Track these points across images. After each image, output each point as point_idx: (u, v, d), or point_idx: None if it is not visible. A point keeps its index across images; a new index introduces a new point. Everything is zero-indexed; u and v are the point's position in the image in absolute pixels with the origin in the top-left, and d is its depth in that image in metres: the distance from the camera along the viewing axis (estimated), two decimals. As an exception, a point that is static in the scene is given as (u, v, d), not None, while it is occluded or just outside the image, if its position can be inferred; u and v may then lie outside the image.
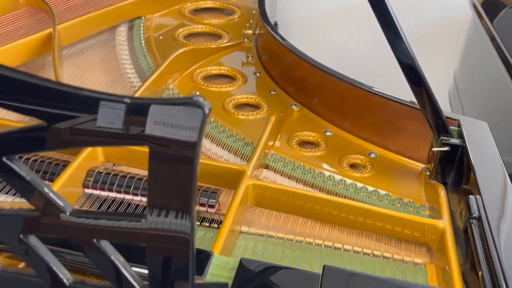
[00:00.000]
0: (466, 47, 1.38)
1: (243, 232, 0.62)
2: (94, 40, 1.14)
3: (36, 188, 0.36)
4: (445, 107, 1.40)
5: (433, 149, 0.68)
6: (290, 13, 1.64)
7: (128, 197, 0.67)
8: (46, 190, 0.36)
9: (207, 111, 0.30)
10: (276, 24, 1.09)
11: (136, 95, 0.83)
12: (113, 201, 0.68)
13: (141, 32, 1.15)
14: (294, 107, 0.88)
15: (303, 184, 0.70)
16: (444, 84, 1.50)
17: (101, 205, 0.68)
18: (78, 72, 1.02)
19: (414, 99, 0.74)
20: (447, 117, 0.69)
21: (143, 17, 1.22)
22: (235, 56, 1.10)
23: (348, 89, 0.83)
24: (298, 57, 0.93)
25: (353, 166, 0.76)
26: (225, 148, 0.77)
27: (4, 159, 0.36)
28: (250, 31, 1.11)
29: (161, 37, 1.16)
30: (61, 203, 0.36)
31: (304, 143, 0.82)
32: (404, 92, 0.96)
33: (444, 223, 0.59)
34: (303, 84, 0.92)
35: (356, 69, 1.63)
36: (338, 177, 0.71)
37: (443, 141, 0.68)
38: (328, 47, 1.68)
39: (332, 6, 1.66)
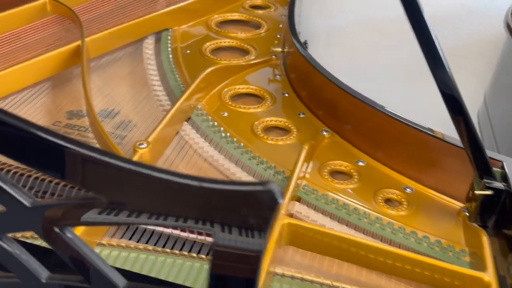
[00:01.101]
0: (499, 69, 1.33)
1: (277, 274, 0.58)
2: (121, 52, 1.10)
3: (90, 263, 0.32)
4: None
5: (476, 192, 0.64)
6: (314, 25, 1.59)
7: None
8: (100, 264, 0.32)
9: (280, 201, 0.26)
10: (306, 42, 1.05)
11: (167, 117, 0.79)
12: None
13: (168, 45, 1.11)
14: (325, 133, 0.84)
15: (338, 222, 0.66)
16: (472, 105, 1.45)
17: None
18: (105, 86, 0.99)
19: (445, 130, 0.71)
20: (490, 158, 0.65)
21: (170, 29, 1.18)
22: (262, 74, 1.06)
23: (383, 119, 0.79)
24: (329, 80, 0.89)
25: (388, 201, 0.72)
26: (256, 177, 0.74)
27: (56, 229, 0.32)
28: (279, 49, 1.07)
29: (188, 51, 1.12)
30: (114, 279, 0.32)
31: (335, 173, 0.78)
32: (429, 110, 0.91)
33: (489, 276, 0.55)
34: (334, 108, 0.88)
35: (380, 83, 1.59)
36: (373, 215, 0.67)
37: (486, 184, 0.63)
38: (351, 60, 1.63)
39: (357, 19, 1.61)
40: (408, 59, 1.47)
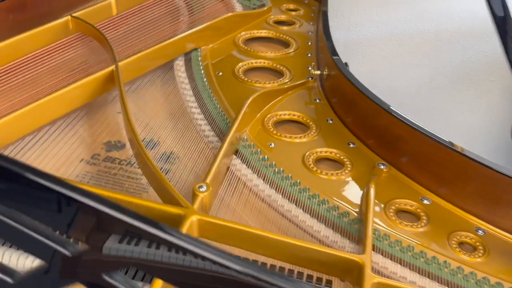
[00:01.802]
0: None
1: None
2: (152, 75, 1.04)
3: None
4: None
5: None
6: (335, 37, 1.53)
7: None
8: None
9: None
10: (346, 64, 0.99)
11: (221, 153, 0.73)
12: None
13: (201, 68, 1.05)
14: (382, 167, 0.78)
15: (419, 273, 0.61)
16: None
17: None
18: (139, 113, 0.92)
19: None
20: None
21: (199, 49, 1.12)
22: (299, 98, 1.00)
23: (442, 150, 0.74)
24: (379, 106, 0.83)
25: (461, 244, 0.67)
26: (321, 220, 0.68)
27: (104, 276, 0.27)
28: (317, 72, 1.01)
29: (220, 73, 1.06)
30: None
31: (400, 213, 0.72)
32: (451, 126, 0.86)
33: None
34: (386, 138, 0.83)
35: (399, 98, 1.54)
36: (454, 263, 0.62)
37: None
38: (373, 74, 1.59)
39: (379, 32, 1.56)
40: (430, 74, 1.43)
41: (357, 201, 0.72)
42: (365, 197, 0.69)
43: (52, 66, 1.01)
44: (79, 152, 0.81)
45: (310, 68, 1.05)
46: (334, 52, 1.00)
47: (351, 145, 0.85)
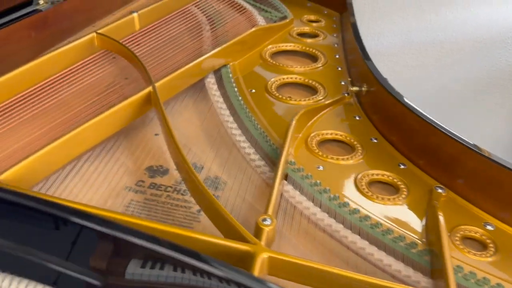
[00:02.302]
0: None
1: None
2: (184, 95, 1.00)
3: None
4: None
5: None
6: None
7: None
8: None
9: None
10: (385, 79, 0.96)
11: (277, 182, 0.69)
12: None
13: (233, 85, 1.01)
14: (440, 190, 0.75)
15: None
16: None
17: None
18: (179, 138, 0.88)
19: None
20: None
21: (228, 66, 1.08)
22: (336, 115, 0.96)
23: (505, 173, 0.71)
24: (429, 124, 0.80)
25: (534, 274, 0.64)
26: (389, 252, 0.64)
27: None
28: (355, 88, 0.98)
29: (253, 91, 1.02)
30: None
31: (465, 240, 0.69)
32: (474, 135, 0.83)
33: None
34: (439, 157, 0.79)
35: (422, 107, 1.52)
36: (534, 297, 0.59)
37: None
38: (392, 83, 1.55)
39: (398, 41, 1.54)
40: (451, 83, 1.40)
41: (420, 229, 0.69)
42: (433, 226, 0.65)
43: (79, 88, 0.96)
44: (122, 180, 0.77)
45: (346, 84, 1.01)
46: (373, 67, 0.96)
47: (402, 166, 0.81)
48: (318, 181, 0.75)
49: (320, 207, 0.71)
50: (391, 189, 0.78)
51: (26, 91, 0.91)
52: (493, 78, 1.47)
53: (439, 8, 1.43)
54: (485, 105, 1.46)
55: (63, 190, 0.72)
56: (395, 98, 0.87)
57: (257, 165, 0.79)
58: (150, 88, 0.87)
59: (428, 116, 0.82)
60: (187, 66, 0.96)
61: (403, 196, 0.75)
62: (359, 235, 0.66)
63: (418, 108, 0.84)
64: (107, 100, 0.93)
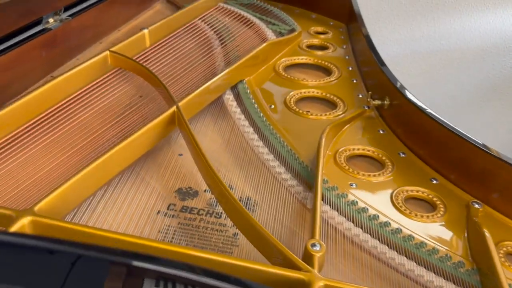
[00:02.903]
0: None
1: None
2: (203, 114, 0.97)
3: None
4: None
5: None
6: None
7: None
8: None
9: None
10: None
11: (318, 204, 0.67)
12: None
13: (252, 101, 0.98)
14: (477, 206, 0.74)
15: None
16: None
17: None
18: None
19: None
20: None
21: (244, 81, 1.06)
22: (359, 129, 0.95)
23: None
24: (460, 137, 0.79)
25: None
26: (438, 272, 0.63)
27: None
28: (378, 102, 0.96)
29: (272, 106, 1.00)
30: None
31: (509, 255, 0.68)
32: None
33: None
34: (471, 171, 0.78)
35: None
36: None
37: None
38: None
39: (401, 50, 1.53)
40: (455, 90, 1.40)
41: (462, 246, 0.67)
42: (479, 244, 0.64)
43: (98, 109, 0.93)
44: (153, 204, 0.74)
45: (363, 97, 1.00)
46: (395, 79, 0.95)
47: (434, 181, 0.80)
48: (354, 200, 0.73)
49: (361, 228, 0.69)
50: (425, 204, 0.76)
51: (44, 114, 0.88)
52: (497, 85, 1.47)
53: (443, 17, 1.43)
54: (490, 113, 1.47)
55: (96, 219, 0.69)
56: (422, 111, 0.85)
57: (290, 185, 0.77)
58: (174, 108, 0.84)
59: (456, 128, 0.80)
60: (207, 84, 0.93)
61: (441, 213, 0.73)
62: (405, 256, 0.64)
63: (445, 120, 0.83)
64: (128, 122, 0.90)
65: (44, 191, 0.70)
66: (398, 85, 0.93)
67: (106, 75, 1.02)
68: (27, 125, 0.84)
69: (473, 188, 0.77)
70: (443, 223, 0.72)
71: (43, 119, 0.87)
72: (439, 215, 0.73)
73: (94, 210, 0.71)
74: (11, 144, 0.80)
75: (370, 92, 1.00)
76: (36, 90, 0.86)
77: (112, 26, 1.36)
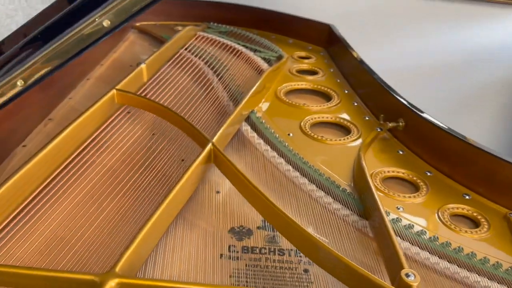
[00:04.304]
0: None
1: None
2: (226, 151, 0.94)
3: None
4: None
5: None
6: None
7: None
8: None
9: None
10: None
11: (392, 233, 0.67)
12: None
13: (272, 132, 0.98)
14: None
15: None
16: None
17: None
18: (236, 197, 0.83)
19: None
20: None
21: (255, 112, 1.05)
22: (378, 150, 0.97)
23: None
24: (481, 150, 0.83)
25: None
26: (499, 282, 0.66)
27: None
28: (393, 124, 1.00)
29: (291, 135, 1.00)
30: None
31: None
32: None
33: None
34: (497, 183, 0.83)
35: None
36: None
37: None
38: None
39: (389, 66, 1.57)
40: (426, 103, 1.47)
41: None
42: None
43: (116, 153, 0.89)
44: (212, 247, 0.71)
45: (370, 119, 1.03)
46: (405, 100, 0.99)
47: (467, 197, 0.84)
48: (410, 223, 0.75)
49: (426, 250, 0.70)
50: (465, 220, 0.80)
51: (63, 166, 0.82)
52: (479, 94, 1.58)
53: (426, 33, 1.51)
54: (473, 119, 1.56)
55: (161, 271, 0.65)
56: (440, 129, 0.89)
57: (345, 215, 0.77)
58: (210, 146, 0.82)
59: (477, 142, 0.85)
60: (232, 117, 0.92)
61: (486, 227, 0.77)
62: (477, 273, 0.67)
63: (464, 136, 0.87)
64: (154, 163, 0.86)
65: (104, 250, 0.66)
66: (412, 107, 0.96)
67: (115, 116, 0.97)
68: (48, 180, 0.77)
69: (504, 199, 0.81)
70: (489, 236, 0.76)
71: (63, 173, 0.80)
72: (485, 229, 0.77)
73: (155, 263, 0.67)
74: (43, 202, 0.74)
75: (382, 115, 1.03)
76: (51, 142, 0.79)
77: (95, 61, 1.30)
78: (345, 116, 1.08)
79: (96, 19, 0.37)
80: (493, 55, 1.57)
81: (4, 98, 0.44)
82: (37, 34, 0.40)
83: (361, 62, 1.19)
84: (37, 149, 0.90)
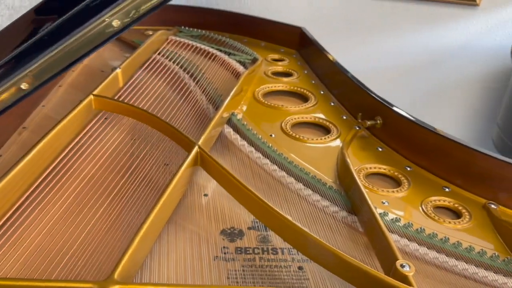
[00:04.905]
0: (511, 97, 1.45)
1: None
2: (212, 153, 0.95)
3: None
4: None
5: None
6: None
7: None
8: None
9: None
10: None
11: (385, 230, 0.69)
12: None
13: (255, 133, 0.99)
14: (494, 206, 0.81)
15: None
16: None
17: None
18: (227, 200, 0.83)
19: None
20: None
21: (235, 114, 1.05)
22: (358, 148, 1.00)
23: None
24: (458, 143, 0.87)
25: None
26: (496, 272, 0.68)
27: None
28: (371, 122, 1.02)
29: (273, 135, 1.01)
30: None
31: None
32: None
33: None
34: (472, 175, 0.86)
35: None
36: None
37: None
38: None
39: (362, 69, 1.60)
40: (406, 100, 1.52)
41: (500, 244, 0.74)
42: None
43: (97, 159, 0.87)
44: (207, 249, 0.70)
45: (348, 118, 1.06)
46: (383, 100, 1.01)
47: (447, 190, 0.87)
48: (397, 217, 0.77)
49: (415, 241, 0.73)
50: (446, 211, 0.83)
51: (48, 172, 0.80)
52: (443, 91, 1.63)
53: (393, 34, 1.55)
54: (437, 113, 1.61)
55: (158, 276, 0.64)
56: (417, 124, 0.92)
57: (334, 211, 0.78)
58: (197, 149, 0.81)
59: (452, 136, 0.88)
60: (215, 119, 0.92)
61: (467, 218, 0.80)
62: (464, 261, 0.69)
63: (439, 130, 0.90)
64: (142, 172, 0.85)
65: (97, 257, 0.64)
66: (389, 105, 0.99)
67: (93, 121, 0.95)
68: (30, 190, 0.75)
69: (482, 190, 0.85)
70: (472, 225, 0.79)
71: (46, 181, 0.78)
72: (466, 219, 0.80)
73: (151, 268, 0.66)
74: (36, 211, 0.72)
75: (360, 114, 1.05)
76: (30, 151, 0.76)
77: (66, 67, 1.27)
78: (323, 116, 1.10)
79: (106, 19, 0.36)
80: (455, 54, 1.64)
81: (8, 102, 0.43)
82: (45, 34, 0.38)
83: (336, 63, 1.21)
84: (13, 158, 0.87)
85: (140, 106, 0.97)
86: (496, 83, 1.63)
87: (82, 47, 0.40)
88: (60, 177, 0.80)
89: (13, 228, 0.68)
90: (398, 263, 0.61)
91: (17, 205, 0.72)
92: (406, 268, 0.60)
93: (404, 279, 0.60)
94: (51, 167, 0.81)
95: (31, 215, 0.72)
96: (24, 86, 0.41)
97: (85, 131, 0.92)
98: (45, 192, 0.76)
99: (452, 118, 1.70)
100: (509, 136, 1.44)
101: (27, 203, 0.74)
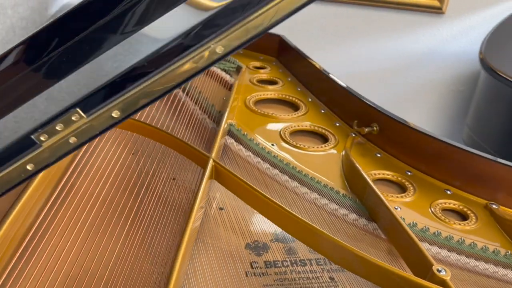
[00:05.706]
0: (479, 101, 1.53)
1: None
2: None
3: None
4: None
5: None
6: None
7: None
8: None
9: None
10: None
11: (412, 235, 0.71)
12: None
13: (255, 143, 0.98)
14: (495, 206, 0.86)
15: None
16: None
17: None
18: (240, 209, 0.83)
19: None
20: None
21: (234, 124, 1.04)
22: (357, 155, 1.02)
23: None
24: (452, 146, 0.90)
25: None
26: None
27: None
28: (369, 129, 1.04)
29: (274, 145, 1.01)
30: None
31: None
32: None
33: None
34: (470, 176, 0.90)
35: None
36: None
37: None
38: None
39: (344, 71, 1.63)
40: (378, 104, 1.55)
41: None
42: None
43: (112, 182, 0.84)
44: (235, 265, 0.69)
45: (341, 125, 1.08)
46: (378, 106, 1.04)
47: (448, 192, 0.91)
48: (413, 222, 0.80)
49: (436, 245, 0.75)
50: (451, 213, 0.87)
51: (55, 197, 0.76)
52: (413, 94, 1.70)
53: (366, 41, 1.59)
54: (409, 116, 1.68)
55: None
56: (414, 130, 0.96)
57: (354, 219, 0.80)
58: (211, 163, 0.80)
59: (448, 140, 0.92)
60: (221, 130, 0.91)
61: (474, 219, 0.84)
62: (483, 261, 0.73)
63: (435, 134, 0.94)
64: (155, 190, 0.83)
65: (135, 282, 0.62)
66: (384, 111, 1.02)
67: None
68: (40, 219, 0.71)
69: (481, 191, 0.89)
70: (479, 226, 0.83)
71: (55, 207, 0.74)
72: (473, 221, 0.84)
73: (189, 288, 0.65)
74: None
75: (356, 121, 1.07)
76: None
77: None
78: (316, 123, 1.11)
79: (211, 45, 0.35)
80: (424, 59, 1.72)
81: (97, 130, 0.40)
82: (145, 60, 0.36)
83: (325, 71, 1.23)
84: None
85: (136, 119, 0.95)
86: (463, 86, 1.72)
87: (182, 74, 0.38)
88: (71, 201, 0.76)
89: (26, 257, 0.64)
90: (434, 268, 0.63)
91: (30, 234, 0.68)
92: (443, 273, 0.63)
93: (443, 283, 0.62)
94: (56, 191, 0.77)
95: (49, 244, 0.67)
96: (115, 114, 0.39)
97: (84, 148, 0.88)
98: (58, 217, 0.72)
99: (423, 120, 1.78)
100: (479, 135, 1.53)
101: (40, 232, 0.69)
